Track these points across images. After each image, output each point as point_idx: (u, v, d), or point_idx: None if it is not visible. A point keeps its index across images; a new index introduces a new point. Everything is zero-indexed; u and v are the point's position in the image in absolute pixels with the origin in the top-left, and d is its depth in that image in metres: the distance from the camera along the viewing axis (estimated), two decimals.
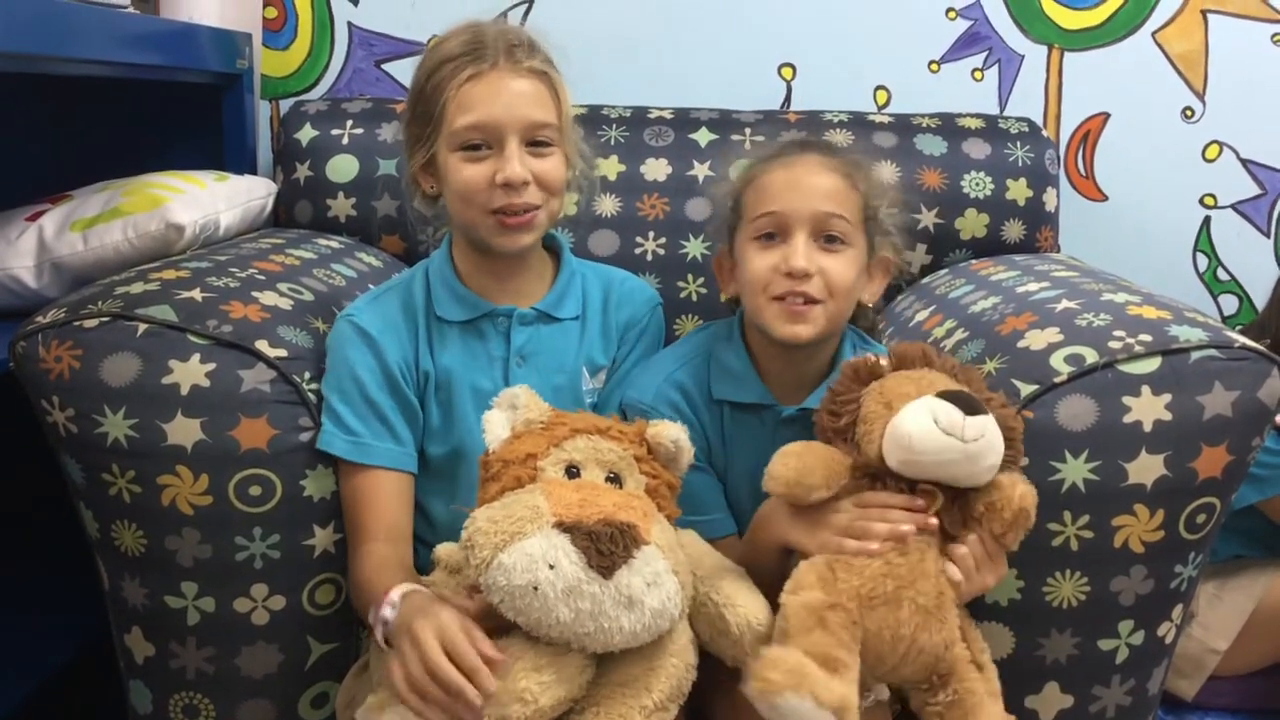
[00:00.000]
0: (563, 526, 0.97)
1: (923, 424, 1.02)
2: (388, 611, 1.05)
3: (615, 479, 1.07)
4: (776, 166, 1.22)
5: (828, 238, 1.18)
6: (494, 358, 1.27)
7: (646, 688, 1.01)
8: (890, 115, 1.77)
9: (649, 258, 1.65)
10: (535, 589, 0.95)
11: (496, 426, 1.09)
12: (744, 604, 1.05)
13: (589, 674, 1.01)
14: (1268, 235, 1.92)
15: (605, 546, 0.96)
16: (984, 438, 1.02)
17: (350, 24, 1.87)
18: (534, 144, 1.22)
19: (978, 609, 1.17)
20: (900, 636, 1.04)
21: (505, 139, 1.20)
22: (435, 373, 1.25)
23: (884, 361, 1.12)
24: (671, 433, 1.10)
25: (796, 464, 1.07)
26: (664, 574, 0.98)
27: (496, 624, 1.01)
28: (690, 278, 1.66)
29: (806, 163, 1.21)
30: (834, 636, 1.01)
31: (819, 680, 0.96)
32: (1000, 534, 1.06)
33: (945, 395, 1.03)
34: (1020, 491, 1.05)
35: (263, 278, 1.30)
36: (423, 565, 1.21)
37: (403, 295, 1.28)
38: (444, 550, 1.17)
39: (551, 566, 0.95)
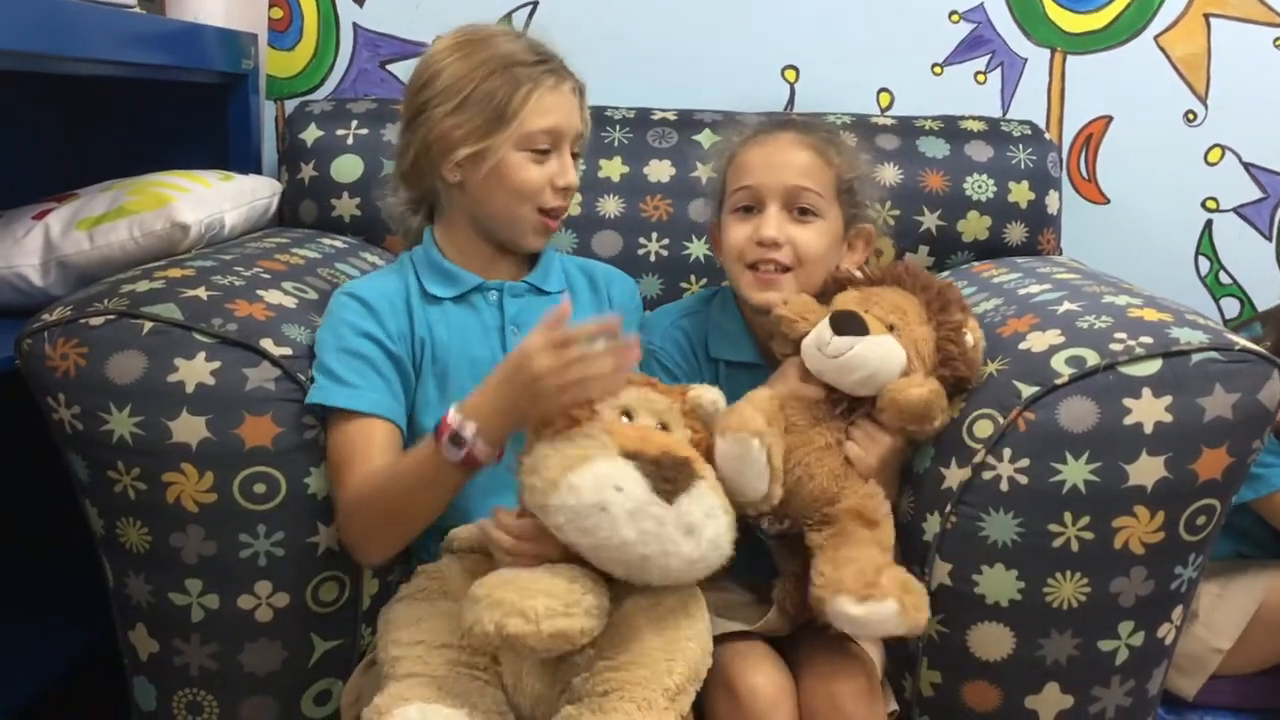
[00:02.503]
0: (627, 454, 1.01)
1: (807, 342, 1.21)
2: (466, 429, 1.08)
3: (664, 428, 1.11)
4: (753, 144, 1.33)
5: (800, 210, 1.28)
6: (488, 327, 1.30)
7: (668, 670, 1.03)
8: (893, 118, 1.78)
9: (652, 259, 1.66)
10: (603, 509, 0.99)
11: None
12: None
13: (599, 621, 1.02)
14: (1269, 239, 1.92)
15: (669, 473, 1.00)
16: (848, 354, 1.17)
17: (355, 25, 1.88)
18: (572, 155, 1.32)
19: (977, 611, 1.18)
20: (801, 459, 1.19)
21: (562, 147, 1.30)
22: (431, 343, 1.27)
23: (858, 274, 1.28)
24: (710, 394, 1.15)
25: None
26: (717, 509, 1.04)
27: (540, 552, 1.05)
28: (693, 279, 1.66)
29: (780, 140, 1.32)
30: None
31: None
32: (892, 425, 1.20)
33: (834, 316, 1.19)
34: (897, 392, 1.17)
35: (267, 276, 1.31)
36: (425, 556, 1.22)
37: (395, 278, 1.32)
38: (461, 532, 1.17)
39: (619, 489, 0.99)
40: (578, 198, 1.64)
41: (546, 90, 1.27)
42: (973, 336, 1.23)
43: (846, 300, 1.25)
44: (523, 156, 1.28)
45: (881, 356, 1.18)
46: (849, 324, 1.19)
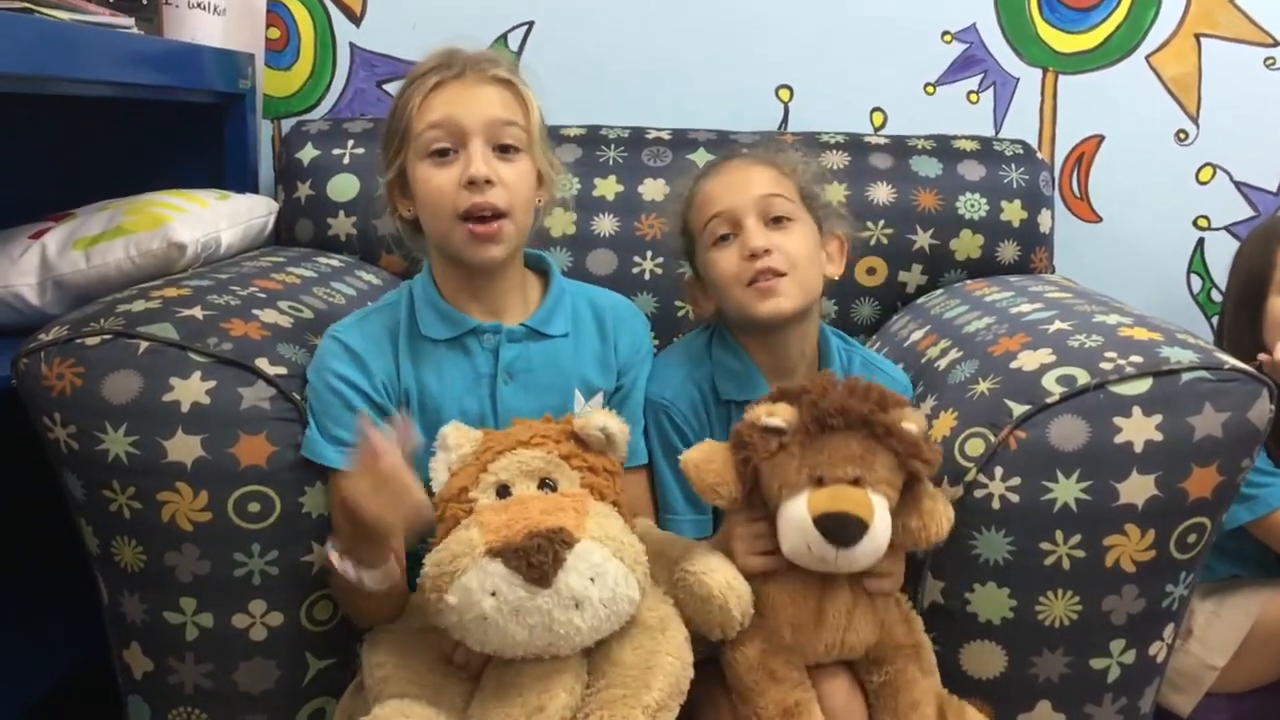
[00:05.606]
0: (493, 552, 0.98)
1: (798, 549, 1.07)
2: (347, 569, 1.09)
3: (551, 484, 1.09)
4: (708, 179, 1.33)
5: (774, 219, 1.27)
6: (480, 375, 1.25)
7: (646, 685, 1.02)
8: (886, 137, 1.79)
9: (646, 277, 1.67)
10: (485, 619, 0.98)
11: (438, 472, 1.11)
12: (719, 569, 1.08)
13: (581, 683, 1.03)
14: None
15: (535, 558, 0.97)
16: (853, 555, 1.06)
17: (352, 45, 1.89)
18: (501, 149, 1.21)
19: (969, 629, 1.19)
20: (831, 644, 1.12)
21: (469, 138, 1.19)
22: (418, 392, 1.24)
23: (781, 424, 1.08)
24: (598, 420, 1.12)
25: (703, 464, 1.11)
26: (604, 563, 1.00)
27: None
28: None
29: (732, 165, 1.34)
30: (785, 682, 1.09)
31: None
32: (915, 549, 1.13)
33: (823, 522, 1.05)
34: (935, 529, 1.10)
35: (263, 296, 1.31)
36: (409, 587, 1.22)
37: (387, 316, 1.26)
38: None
39: (493, 594, 0.97)
40: (571, 216, 1.65)
41: (432, 92, 1.20)
42: (915, 425, 1.09)
43: (784, 468, 1.08)
44: (426, 165, 1.20)
45: (881, 534, 1.07)
46: (846, 532, 1.05)
